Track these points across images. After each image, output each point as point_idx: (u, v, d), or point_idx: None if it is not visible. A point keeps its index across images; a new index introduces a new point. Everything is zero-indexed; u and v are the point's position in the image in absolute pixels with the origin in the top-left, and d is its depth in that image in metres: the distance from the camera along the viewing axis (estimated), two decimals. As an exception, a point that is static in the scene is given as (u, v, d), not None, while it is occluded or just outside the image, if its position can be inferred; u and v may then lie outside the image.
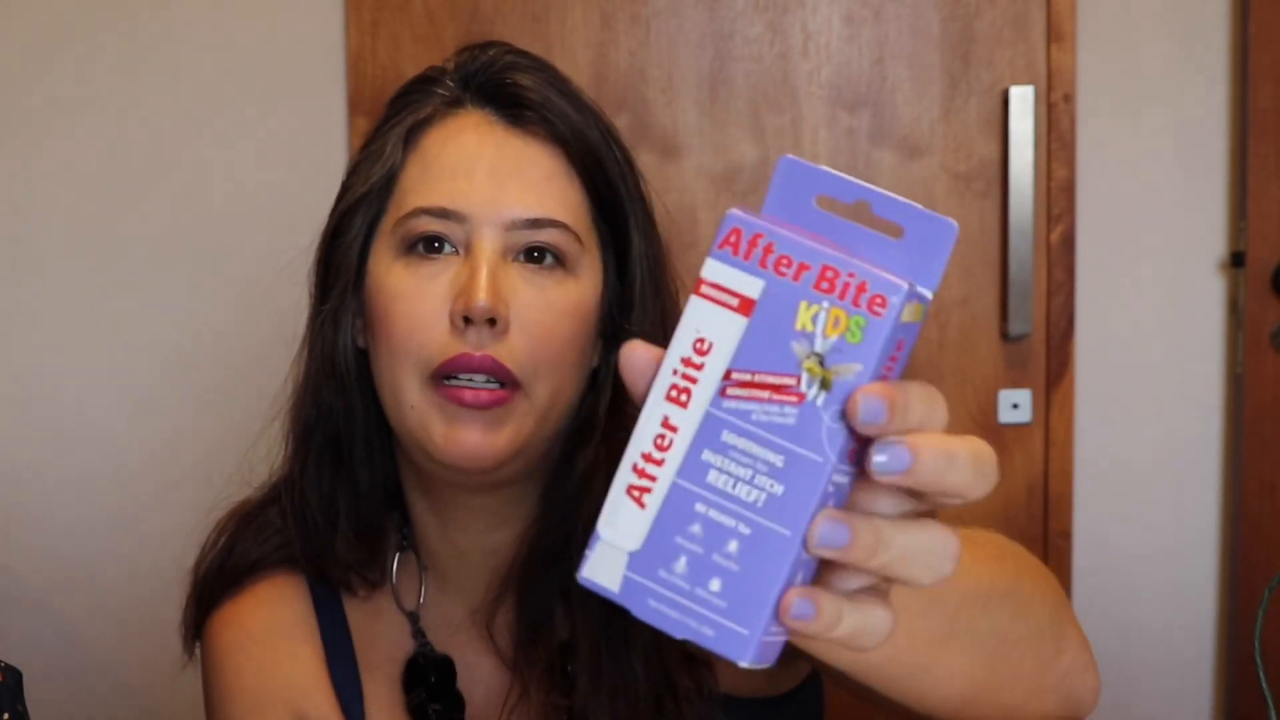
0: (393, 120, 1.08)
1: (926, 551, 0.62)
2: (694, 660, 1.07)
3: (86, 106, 2.11)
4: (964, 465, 0.62)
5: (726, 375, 0.60)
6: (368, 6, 2.08)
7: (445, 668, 1.11)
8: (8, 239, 2.13)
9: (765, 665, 0.62)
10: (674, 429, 0.61)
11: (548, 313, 1.03)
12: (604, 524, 0.63)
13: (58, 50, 2.10)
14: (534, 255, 1.03)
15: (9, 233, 2.13)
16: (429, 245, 1.03)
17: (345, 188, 1.09)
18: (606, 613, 1.04)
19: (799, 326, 0.59)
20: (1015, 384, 2.15)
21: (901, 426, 0.59)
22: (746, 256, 0.61)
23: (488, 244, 1.02)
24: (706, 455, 0.60)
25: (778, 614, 0.60)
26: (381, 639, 1.13)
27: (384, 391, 1.06)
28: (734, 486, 0.60)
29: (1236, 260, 2.14)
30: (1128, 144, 2.15)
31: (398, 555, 1.14)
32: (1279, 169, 2.10)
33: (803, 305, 0.59)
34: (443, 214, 1.03)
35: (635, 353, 0.63)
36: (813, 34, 2.11)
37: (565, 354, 1.04)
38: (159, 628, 2.18)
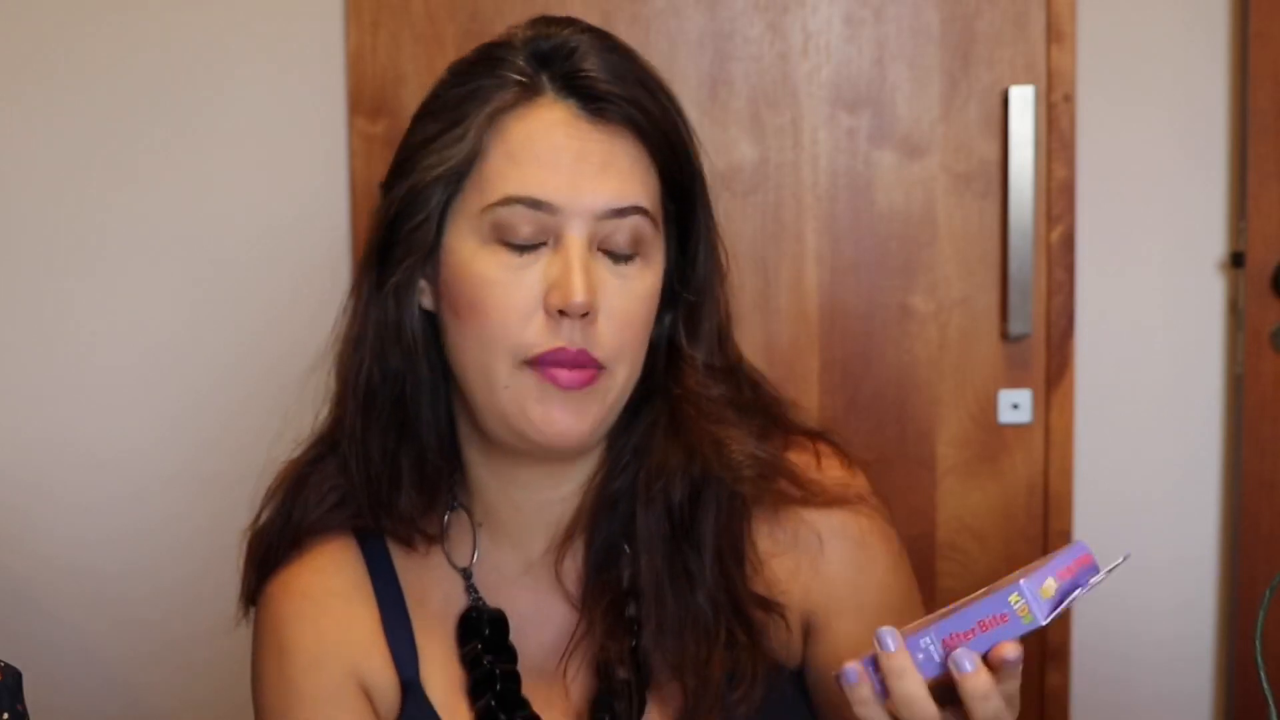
0: (469, 101, 1.11)
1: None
2: (769, 601, 1.15)
3: (86, 107, 2.11)
4: (991, 704, 0.95)
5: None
6: (368, 6, 2.08)
7: (498, 621, 1.16)
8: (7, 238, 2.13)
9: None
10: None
11: (630, 300, 1.10)
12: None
13: (55, 50, 2.10)
14: (617, 251, 1.10)
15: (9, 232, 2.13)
16: (521, 237, 1.08)
17: (413, 164, 1.12)
18: (670, 552, 1.14)
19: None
20: (1015, 384, 2.15)
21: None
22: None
23: (577, 235, 1.08)
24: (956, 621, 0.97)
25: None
26: (434, 597, 1.18)
27: (471, 370, 1.11)
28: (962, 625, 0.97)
29: (1236, 260, 2.14)
30: (1128, 144, 2.15)
31: (448, 514, 1.19)
32: (1279, 169, 2.10)
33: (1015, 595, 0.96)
34: (534, 204, 1.08)
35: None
36: (813, 34, 2.11)
37: (641, 335, 1.12)
38: (159, 627, 2.18)
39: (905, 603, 1.20)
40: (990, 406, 2.15)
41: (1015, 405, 2.15)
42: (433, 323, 1.14)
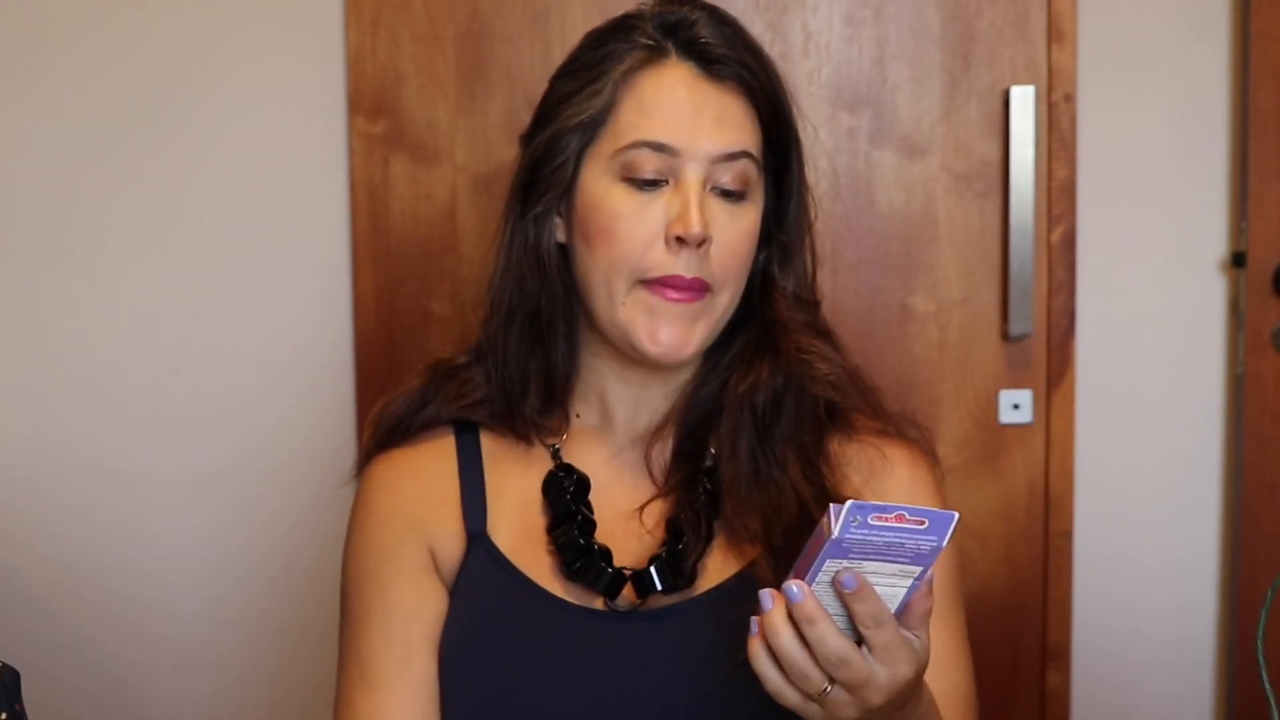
0: (605, 62, 1.30)
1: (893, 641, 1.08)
2: (843, 497, 1.27)
3: (85, 107, 2.11)
4: (818, 628, 1.06)
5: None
6: (368, 6, 2.08)
7: (583, 480, 1.33)
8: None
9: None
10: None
11: (736, 234, 1.29)
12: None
13: (55, 50, 2.10)
14: (727, 190, 1.28)
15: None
16: (646, 175, 1.27)
17: (555, 115, 1.31)
18: (751, 445, 1.31)
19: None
20: (1016, 384, 2.15)
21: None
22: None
23: (694, 175, 1.27)
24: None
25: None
26: (514, 471, 1.35)
27: (596, 289, 1.29)
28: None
29: (1237, 260, 2.13)
30: (1128, 144, 2.15)
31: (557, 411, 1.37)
32: (1280, 168, 2.10)
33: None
34: (659, 147, 1.27)
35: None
36: (813, 34, 2.11)
37: (744, 265, 1.30)
38: (159, 627, 2.18)
39: (950, 568, 1.33)
40: (991, 407, 2.15)
41: (1016, 405, 2.15)
42: (564, 254, 1.32)
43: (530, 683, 1.27)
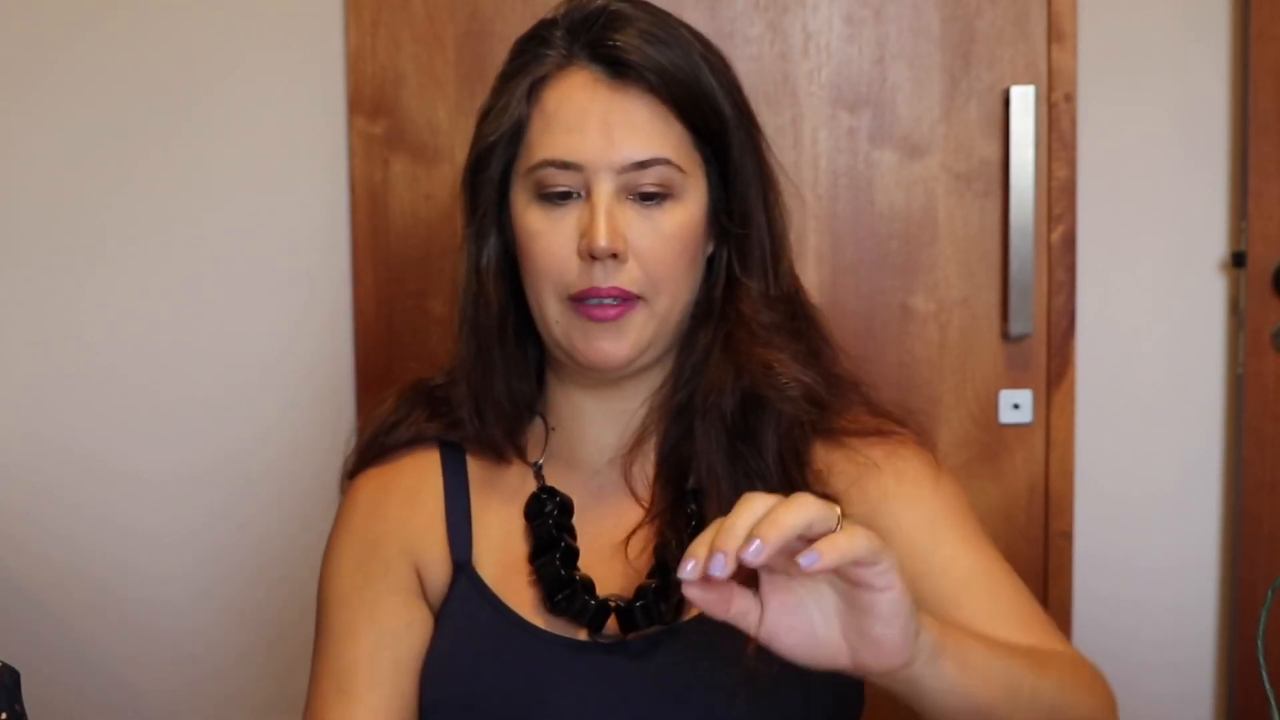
0: (515, 76, 1.27)
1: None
2: (832, 499, 1.22)
3: (85, 107, 2.11)
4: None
5: None
6: (368, 6, 2.08)
7: (565, 503, 1.30)
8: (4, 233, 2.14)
9: None
10: None
11: (658, 239, 1.24)
12: None
13: (55, 51, 2.10)
14: (644, 195, 1.24)
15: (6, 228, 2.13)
16: (556, 192, 1.24)
17: (478, 134, 1.29)
18: (731, 456, 1.26)
19: None
20: (1016, 384, 2.15)
21: None
22: None
23: (604, 188, 1.23)
24: None
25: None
26: (499, 493, 1.32)
27: (533, 307, 1.27)
28: None
29: (1237, 260, 2.13)
30: (1128, 144, 2.15)
31: (528, 424, 1.34)
32: (1280, 168, 2.10)
33: None
34: (565, 165, 1.23)
35: None
36: (813, 34, 2.11)
37: (676, 267, 1.25)
38: (159, 628, 2.18)
39: (955, 542, 1.27)
40: (991, 407, 2.15)
41: (1016, 405, 2.15)
42: (517, 270, 1.30)
43: (511, 716, 1.24)
